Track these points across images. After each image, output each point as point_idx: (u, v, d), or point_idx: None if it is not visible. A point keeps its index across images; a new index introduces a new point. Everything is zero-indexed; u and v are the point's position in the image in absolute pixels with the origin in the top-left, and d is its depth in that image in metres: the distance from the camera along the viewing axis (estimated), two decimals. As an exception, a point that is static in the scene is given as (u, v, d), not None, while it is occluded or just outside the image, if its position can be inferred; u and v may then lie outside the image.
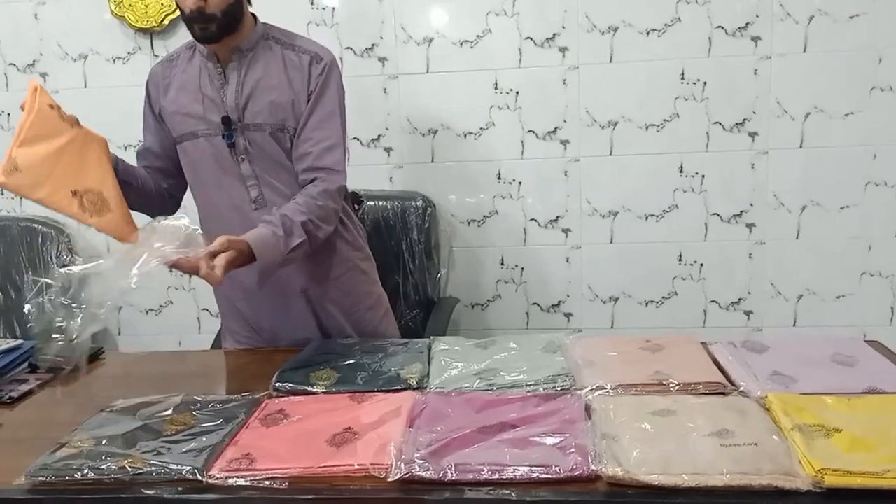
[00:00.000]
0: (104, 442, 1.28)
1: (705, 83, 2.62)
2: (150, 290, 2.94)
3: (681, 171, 2.65)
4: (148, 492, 1.17)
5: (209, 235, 1.55)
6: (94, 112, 2.79)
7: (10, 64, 2.88)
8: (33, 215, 2.85)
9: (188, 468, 1.19)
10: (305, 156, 1.77)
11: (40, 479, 1.20)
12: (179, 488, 1.17)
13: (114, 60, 2.84)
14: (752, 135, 2.61)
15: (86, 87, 2.86)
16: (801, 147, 2.59)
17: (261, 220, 1.67)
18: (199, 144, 1.80)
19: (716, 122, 2.62)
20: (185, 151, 1.83)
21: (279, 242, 1.63)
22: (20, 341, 1.79)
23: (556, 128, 2.68)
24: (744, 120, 2.60)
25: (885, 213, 2.61)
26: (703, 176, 2.65)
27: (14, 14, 2.84)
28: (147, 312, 2.97)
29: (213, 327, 2.64)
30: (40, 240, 2.80)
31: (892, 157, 2.57)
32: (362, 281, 1.96)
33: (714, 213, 2.68)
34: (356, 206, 2.05)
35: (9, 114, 2.91)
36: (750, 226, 2.67)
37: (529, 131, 2.69)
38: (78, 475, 1.20)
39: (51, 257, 2.80)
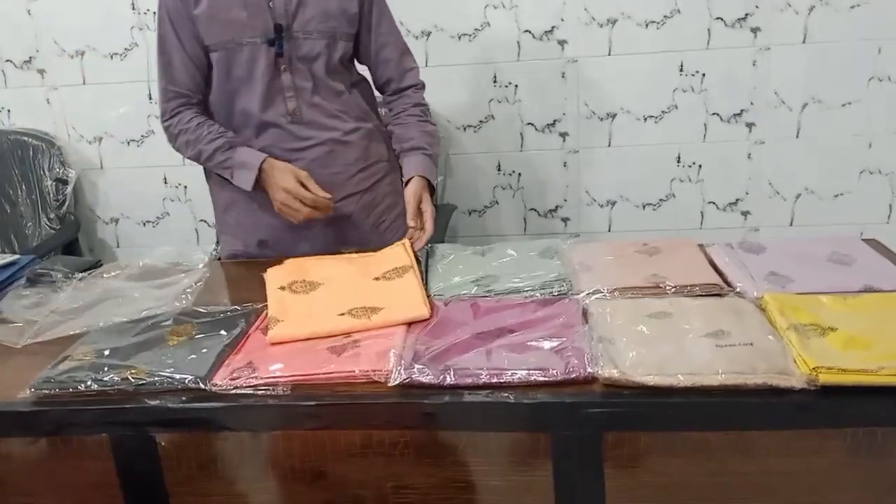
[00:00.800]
0: (106, 354, 1.29)
1: (704, 75, 2.60)
2: (145, 201, 2.92)
3: (681, 71, 2.60)
4: (152, 402, 1.18)
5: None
6: (94, 108, 2.79)
7: (7, 60, 2.80)
8: (21, 128, 2.82)
9: (191, 377, 1.21)
10: (389, 81, 1.89)
11: (44, 391, 1.22)
12: (183, 398, 1.19)
13: (111, 56, 2.75)
14: (755, 30, 2.55)
15: (84, 83, 2.79)
16: (804, 42, 2.54)
17: (408, 146, 1.83)
18: (239, 53, 1.72)
19: (717, 18, 2.56)
20: (220, 61, 1.73)
21: (435, 161, 1.83)
22: (17, 256, 1.79)
23: (552, 26, 2.61)
24: (746, 13, 2.54)
25: (887, 109, 2.57)
26: (704, 75, 2.60)
27: (7, 10, 2.75)
28: (144, 224, 2.96)
29: (211, 238, 2.65)
30: (31, 153, 2.77)
31: (897, 52, 2.54)
32: (398, 183, 1.92)
33: (714, 113, 2.64)
34: None
35: (8, 110, 2.86)
36: (750, 125, 2.64)
37: (525, 31, 2.63)
38: (81, 387, 1.21)
39: (43, 170, 2.77)
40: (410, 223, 1.71)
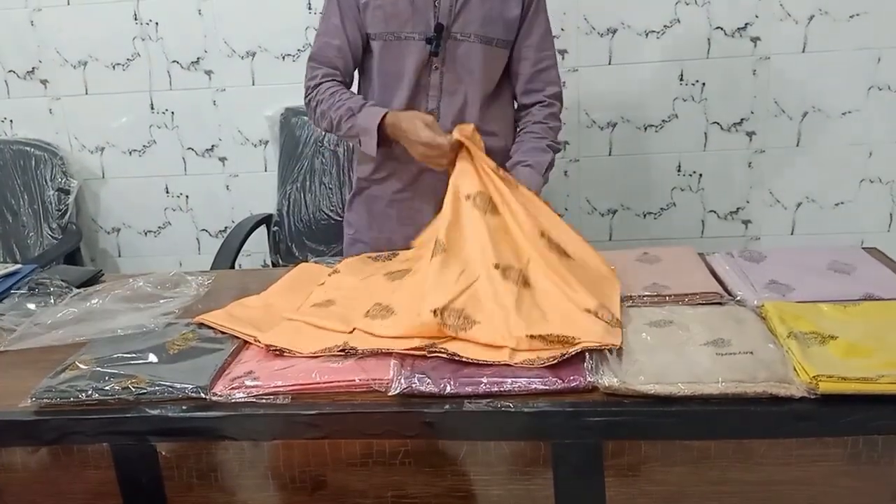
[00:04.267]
0: (107, 363, 1.30)
1: (704, 84, 2.61)
2: (147, 210, 2.93)
3: (681, 80, 2.61)
4: (152, 411, 1.18)
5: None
6: (96, 118, 2.81)
7: (10, 71, 2.81)
8: (24, 138, 2.83)
9: (191, 386, 1.21)
10: (533, 92, 1.83)
11: (45, 400, 1.22)
12: (183, 406, 1.19)
13: (114, 67, 2.77)
14: (755, 39, 2.55)
15: (86, 93, 2.81)
16: (803, 51, 2.54)
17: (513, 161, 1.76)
18: (397, 46, 1.72)
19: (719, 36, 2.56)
20: (378, 51, 1.74)
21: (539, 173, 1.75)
22: (19, 265, 1.79)
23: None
24: (745, 23, 2.54)
25: (887, 118, 2.58)
26: (704, 84, 2.61)
27: (10, 21, 2.76)
28: (146, 234, 2.97)
29: (212, 248, 2.65)
30: (34, 163, 2.78)
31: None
32: None
33: (714, 122, 2.64)
34: None
35: (11, 120, 2.87)
36: (750, 134, 2.64)
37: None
38: (82, 396, 1.21)
39: (46, 180, 2.78)
40: None
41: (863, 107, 2.57)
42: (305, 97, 1.81)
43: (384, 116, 1.66)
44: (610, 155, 2.71)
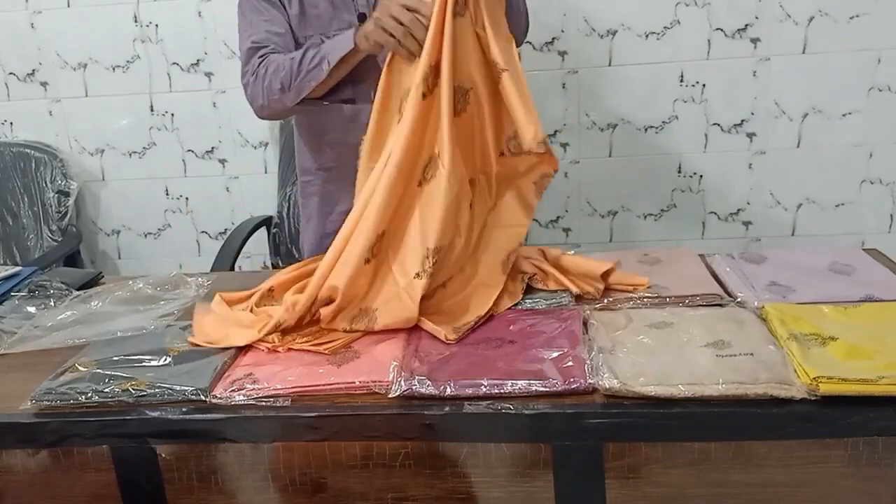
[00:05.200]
0: (107, 365, 1.30)
1: (704, 85, 2.61)
2: (147, 212, 2.93)
3: (681, 81, 2.61)
4: (152, 413, 1.18)
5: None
6: (96, 120, 2.81)
7: (10, 73, 2.81)
8: (24, 140, 2.83)
9: (192, 388, 1.21)
10: None
11: (45, 402, 1.22)
12: (184, 409, 1.19)
13: (113, 69, 2.77)
14: (755, 40, 2.55)
15: (86, 95, 2.80)
16: (803, 52, 2.54)
17: None
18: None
19: (717, 29, 2.56)
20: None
21: None
22: (19, 268, 1.79)
23: None
24: (746, 24, 2.55)
25: (887, 119, 2.58)
26: (704, 85, 2.61)
27: (10, 23, 2.75)
28: (146, 236, 2.97)
29: (212, 249, 2.65)
30: (34, 165, 2.78)
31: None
32: None
33: (714, 124, 2.64)
34: None
35: (11, 122, 2.86)
36: (750, 135, 2.64)
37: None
38: (82, 398, 1.21)
39: (46, 182, 2.78)
40: None
41: (863, 108, 2.57)
42: (249, 75, 1.73)
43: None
44: (610, 156, 2.71)
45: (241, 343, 1.35)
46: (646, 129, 2.67)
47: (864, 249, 1.60)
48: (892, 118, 2.57)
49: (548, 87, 2.65)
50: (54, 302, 1.63)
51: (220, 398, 1.20)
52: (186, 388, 1.21)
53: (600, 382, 1.13)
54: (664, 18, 2.55)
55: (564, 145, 2.69)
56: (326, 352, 1.30)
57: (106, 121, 2.82)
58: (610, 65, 2.61)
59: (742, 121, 2.62)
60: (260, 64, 1.71)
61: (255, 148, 2.80)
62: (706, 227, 2.75)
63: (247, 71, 1.74)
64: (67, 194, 2.79)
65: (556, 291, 1.46)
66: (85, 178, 2.89)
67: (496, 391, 1.15)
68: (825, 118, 2.59)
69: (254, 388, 1.21)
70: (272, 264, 2.73)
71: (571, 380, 1.15)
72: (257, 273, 1.87)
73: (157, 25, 2.70)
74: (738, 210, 2.72)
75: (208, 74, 2.73)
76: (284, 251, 2.68)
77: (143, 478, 1.22)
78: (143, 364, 1.30)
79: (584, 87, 2.64)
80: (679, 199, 2.73)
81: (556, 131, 2.68)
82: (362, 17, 1.68)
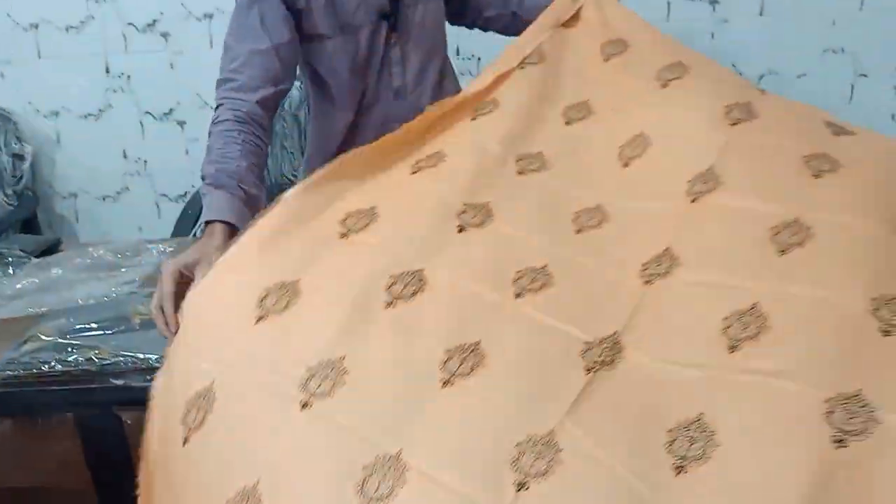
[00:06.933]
0: (70, 334, 1.30)
1: None
2: (104, 176, 2.89)
3: None
4: (117, 381, 1.20)
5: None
6: (50, 82, 2.73)
7: None
8: (-25, 103, 2.77)
9: (156, 356, 1.21)
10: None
11: (8, 373, 1.22)
12: (147, 376, 1.19)
13: (67, 29, 2.69)
14: (713, 2, 2.57)
15: (39, 57, 2.73)
16: (761, 14, 2.57)
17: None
18: (354, 36, 1.57)
19: None
20: (325, 50, 1.57)
21: None
22: (-24, 235, 1.77)
23: None
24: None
25: (840, 80, 2.62)
26: None
27: None
28: (104, 199, 2.93)
29: (173, 213, 2.63)
30: (-14, 128, 2.72)
31: None
32: None
33: None
34: None
35: None
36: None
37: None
38: (45, 367, 1.22)
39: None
40: None
41: (817, 69, 2.61)
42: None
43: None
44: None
45: None
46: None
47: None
48: (845, 79, 2.62)
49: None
50: (13, 269, 1.61)
51: (185, 365, 1.21)
52: (150, 355, 1.22)
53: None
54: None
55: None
56: None
57: (60, 82, 2.76)
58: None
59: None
60: (216, 119, 1.48)
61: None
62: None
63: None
64: (22, 158, 2.74)
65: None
66: (40, 142, 2.83)
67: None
68: (781, 79, 2.62)
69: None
70: (234, 227, 2.71)
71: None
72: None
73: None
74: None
75: (165, 35, 2.68)
76: (246, 214, 2.67)
77: (110, 445, 1.23)
78: (107, 332, 1.30)
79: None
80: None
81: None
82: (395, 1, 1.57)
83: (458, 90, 1.68)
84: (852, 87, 2.64)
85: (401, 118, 1.48)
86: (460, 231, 1.05)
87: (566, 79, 1.32)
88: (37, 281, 1.55)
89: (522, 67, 1.33)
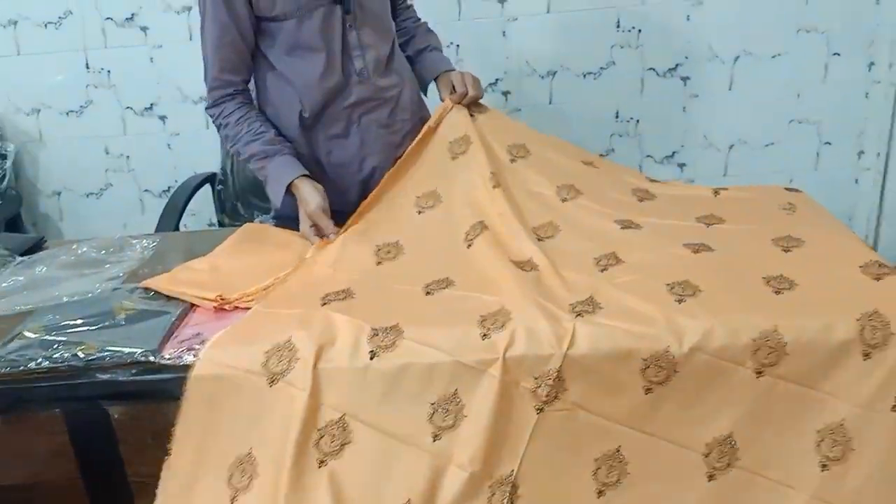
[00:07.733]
0: (55, 331, 1.31)
1: (640, 31, 2.65)
2: (87, 173, 2.89)
3: (618, 27, 2.64)
4: (103, 376, 1.21)
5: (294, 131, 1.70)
6: (30, 79, 2.72)
7: None
8: (-44, 101, 2.76)
9: (141, 350, 1.24)
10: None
11: (-5, 370, 1.24)
12: (133, 371, 1.22)
13: (45, 25, 2.68)
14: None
15: (19, 53, 2.71)
16: None
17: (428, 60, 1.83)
18: (308, 20, 1.62)
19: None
20: (283, 32, 1.63)
21: None
22: (-41, 235, 1.78)
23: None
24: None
25: (814, 60, 2.66)
26: (640, 30, 2.65)
27: None
28: (88, 196, 2.93)
29: (156, 207, 2.64)
30: (-34, 126, 2.72)
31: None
32: None
33: (650, 68, 2.69)
34: None
35: None
36: (685, 79, 2.70)
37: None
38: (32, 364, 1.23)
39: (-20, 144, 2.73)
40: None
41: (791, 49, 2.64)
42: (207, 108, 1.72)
43: (293, 180, 1.63)
44: (550, 104, 2.74)
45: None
46: (584, 76, 2.70)
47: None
48: (818, 59, 2.65)
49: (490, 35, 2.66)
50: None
51: (170, 358, 1.23)
52: (136, 349, 1.24)
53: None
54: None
55: (505, 93, 2.72)
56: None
57: (40, 79, 2.75)
58: (548, 12, 2.63)
59: (676, 65, 2.68)
60: (211, 109, 1.70)
61: (196, 103, 2.77)
62: (642, 170, 2.80)
63: (210, 113, 1.72)
64: (4, 156, 2.74)
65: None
66: (22, 139, 2.83)
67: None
68: (756, 60, 2.66)
69: (202, 348, 1.24)
70: (218, 221, 2.72)
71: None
72: (202, 233, 1.88)
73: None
74: (673, 153, 2.80)
75: (144, 29, 2.68)
76: (230, 207, 2.67)
77: (97, 439, 1.25)
78: (92, 328, 1.32)
79: (524, 34, 2.65)
80: (617, 144, 2.79)
81: (496, 79, 2.71)
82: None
83: (409, 69, 1.84)
84: (826, 66, 2.67)
85: (367, 100, 1.71)
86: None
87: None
88: (22, 279, 1.56)
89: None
